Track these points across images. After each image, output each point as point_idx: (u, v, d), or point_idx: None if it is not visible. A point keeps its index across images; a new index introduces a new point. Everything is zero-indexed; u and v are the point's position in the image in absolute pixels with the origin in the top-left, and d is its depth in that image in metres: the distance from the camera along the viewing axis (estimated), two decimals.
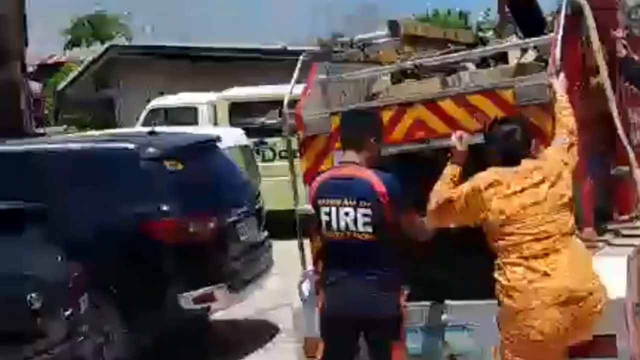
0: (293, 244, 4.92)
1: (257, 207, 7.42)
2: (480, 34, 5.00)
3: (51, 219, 5.51)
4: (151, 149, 6.56)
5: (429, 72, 4.50)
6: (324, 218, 3.78)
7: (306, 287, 4.68)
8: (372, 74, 4.67)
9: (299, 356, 4.49)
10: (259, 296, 7.15)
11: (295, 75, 4.58)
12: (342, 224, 3.71)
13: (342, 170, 3.83)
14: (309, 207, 4.46)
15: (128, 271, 6.17)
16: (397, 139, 4.12)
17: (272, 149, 11.46)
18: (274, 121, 12.12)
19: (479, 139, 3.79)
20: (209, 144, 7.31)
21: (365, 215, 3.66)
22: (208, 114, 12.12)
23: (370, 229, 3.69)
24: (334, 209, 3.74)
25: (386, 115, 4.14)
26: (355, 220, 3.68)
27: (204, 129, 10.36)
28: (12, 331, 4.85)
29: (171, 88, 14.10)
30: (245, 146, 9.91)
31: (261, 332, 7.00)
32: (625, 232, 4.39)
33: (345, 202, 3.70)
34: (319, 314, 3.93)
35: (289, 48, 16.55)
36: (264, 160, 11.05)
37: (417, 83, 4.46)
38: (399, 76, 4.60)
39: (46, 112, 21.87)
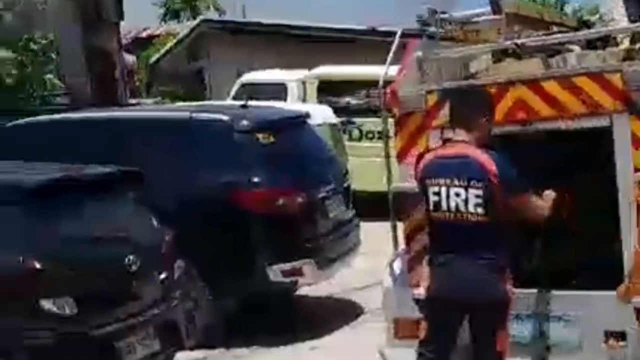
0: (378, 224, 4.94)
1: (345, 185, 7.45)
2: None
3: (146, 185, 5.69)
4: (244, 121, 6.68)
5: (531, 52, 4.39)
6: (433, 198, 3.74)
7: (398, 266, 4.68)
8: (472, 52, 4.59)
9: (388, 336, 4.49)
10: (345, 274, 7.18)
11: (392, 53, 4.54)
12: (452, 204, 3.67)
13: (451, 149, 3.78)
14: (403, 185, 4.48)
15: (217, 240, 6.31)
16: (498, 119, 4.04)
17: (359, 129, 11.45)
18: (361, 101, 12.22)
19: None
20: (299, 120, 7.38)
21: (476, 195, 3.61)
22: (297, 91, 12.22)
23: (481, 210, 3.63)
24: (443, 189, 3.69)
25: None
26: (466, 201, 3.63)
27: (293, 105, 10.44)
28: (108, 292, 5.05)
29: (259, 64, 14.26)
30: (334, 124, 9.94)
31: (347, 310, 7.03)
32: None
33: (456, 182, 3.65)
34: (424, 294, 3.90)
35: (379, 29, 16.48)
36: (350, 139, 11.05)
37: (518, 63, 4.36)
38: (500, 55, 4.51)
39: (138, 84, 22.43)
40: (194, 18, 23.74)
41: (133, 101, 16.51)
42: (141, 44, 23.34)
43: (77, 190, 5.21)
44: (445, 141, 3.91)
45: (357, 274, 7.36)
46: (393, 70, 4.55)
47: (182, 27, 22.30)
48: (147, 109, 7.67)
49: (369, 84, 12.02)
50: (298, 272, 6.40)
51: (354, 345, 5.98)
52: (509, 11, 4.36)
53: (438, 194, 3.71)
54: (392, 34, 16.94)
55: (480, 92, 3.97)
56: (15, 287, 4.69)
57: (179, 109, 7.42)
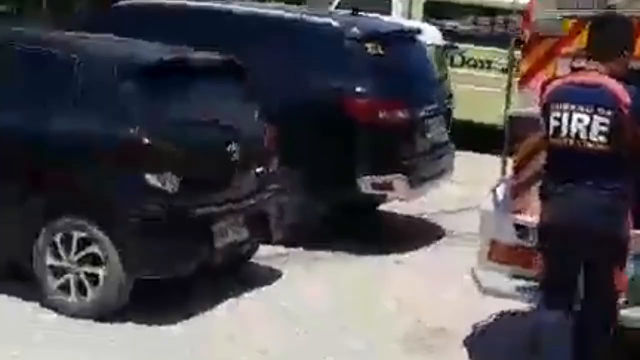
0: (472, 155, 4.83)
1: (447, 107, 7.35)
2: None
3: (252, 80, 5.72)
4: (355, 29, 6.61)
5: None
6: (553, 123, 3.62)
7: (501, 191, 4.63)
8: None
9: (480, 258, 4.48)
10: (438, 198, 7.21)
11: None
12: (573, 130, 3.56)
13: (583, 77, 3.64)
14: (521, 111, 4.37)
15: (316, 142, 6.35)
16: (637, 54, 3.86)
17: (461, 55, 11.21)
18: (467, 27, 11.90)
19: None
20: (411, 35, 7.26)
21: (602, 124, 3.50)
22: (402, 8, 11.95)
23: (604, 139, 3.52)
24: (565, 114, 3.57)
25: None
26: (588, 128, 3.52)
27: (388, 18, 10.22)
28: (209, 175, 5.18)
29: None
30: (440, 46, 9.73)
31: (436, 231, 7.04)
32: None
33: (581, 108, 3.53)
34: (538, 225, 3.82)
35: None
36: (451, 65, 10.82)
37: None
38: None
39: None
40: None
41: None
42: None
43: (188, 73, 5.29)
44: (577, 69, 3.78)
45: (450, 199, 7.38)
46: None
47: None
48: (257, 5, 7.62)
49: (477, 9, 11.80)
50: (389, 186, 6.41)
51: (440, 264, 6.03)
52: None
53: (559, 119, 3.59)
54: None
55: (623, 22, 3.77)
56: (124, 159, 4.85)
57: (290, 10, 7.36)
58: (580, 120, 3.54)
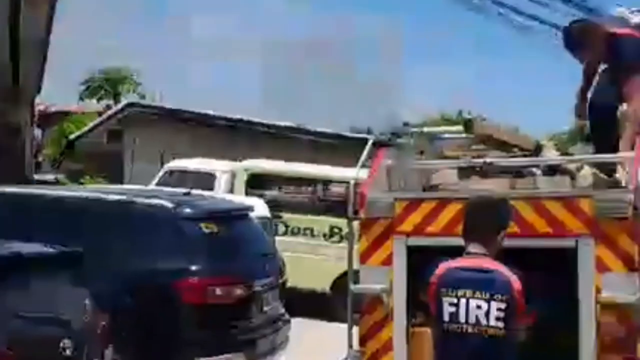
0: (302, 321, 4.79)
1: (281, 280, 7.44)
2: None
3: (84, 265, 5.51)
4: (188, 209, 6.65)
5: (496, 172, 4.62)
6: (449, 309, 3.62)
7: None
8: (441, 166, 4.79)
9: None
10: None
11: (363, 157, 4.68)
12: (472, 317, 3.58)
13: (471, 261, 3.70)
14: (364, 287, 4.53)
15: (152, 327, 6.13)
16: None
17: (285, 224, 11.55)
18: (289, 197, 12.38)
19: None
20: (243, 212, 7.39)
21: (499, 309, 3.55)
22: (225, 182, 12.23)
23: (501, 324, 3.55)
24: (463, 301, 3.59)
25: (455, 208, 4.23)
26: (487, 314, 3.55)
27: (223, 196, 10.44)
28: None
29: (183, 152, 14.25)
30: (267, 218, 9.98)
31: None
32: None
33: (478, 294, 3.58)
34: None
35: (308, 128, 16.88)
36: (275, 234, 11.08)
37: (486, 181, 4.57)
38: (466, 172, 4.71)
39: (42, 159, 21.90)
40: (115, 99, 23.59)
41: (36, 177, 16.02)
42: (47, 118, 22.91)
43: (19, 268, 5.01)
44: (463, 253, 3.79)
45: None
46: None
47: (92, 106, 22.07)
48: (87, 189, 7.52)
49: (298, 180, 12.37)
50: None
51: None
52: (479, 132, 4.60)
53: (456, 305, 3.61)
54: (318, 133, 17.45)
55: (502, 203, 3.87)
56: None
57: (121, 192, 7.30)
58: (478, 307, 3.57)
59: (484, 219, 3.73)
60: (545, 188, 4.35)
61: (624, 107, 4.82)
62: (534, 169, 4.66)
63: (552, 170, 4.65)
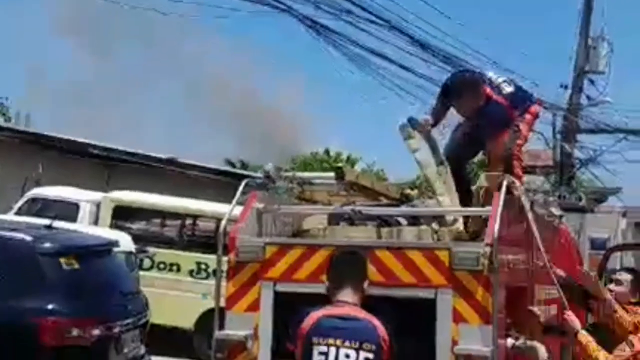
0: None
1: (143, 319, 7.22)
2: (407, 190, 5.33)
3: None
4: (48, 244, 6.39)
5: (363, 219, 4.72)
6: (318, 358, 3.62)
7: None
8: (311, 211, 4.84)
9: None
10: None
11: (237, 196, 4.67)
12: None
13: (340, 310, 3.73)
14: (229, 333, 4.48)
15: None
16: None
17: (150, 258, 11.27)
18: (156, 230, 12.11)
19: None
20: (107, 247, 7.16)
21: (366, 358, 3.57)
22: (90, 213, 11.81)
23: None
24: (333, 349, 3.61)
25: (323, 255, 4.27)
26: None
27: (86, 228, 10.07)
28: None
29: (48, 179, 13.67)
30: (131, 252, 9.69)
31: None
32: None
33: (347, 343, 3.60)
34: None
35: (179, 160, 16.62)
36: (141, 268, 10.79)
37: (353, 228, 4.66)
38: (336, 218, 4.79)
39: None
40: None
41: None
42: None
43: None
44: (331, 301, 3.80)
45: None
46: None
47: None
48: None
49: (165, 213, 12.12)
50: None
51: None
52: (349, 179, 4.70)
53: (326, 354, 3.61)
54: (191, 166, 17.16)
55: (361, 255, 3.96)
56: None
57: None
58: (347, 356, 3.59)
59: (352, 269, 3.82)
60: (409, 238, 4.49)
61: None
62: (400, 218, 4.81)
63: (416, 220, 4.82)
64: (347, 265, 3.83)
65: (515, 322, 4.65)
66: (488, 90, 5.26)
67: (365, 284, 3.80)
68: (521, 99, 5.39)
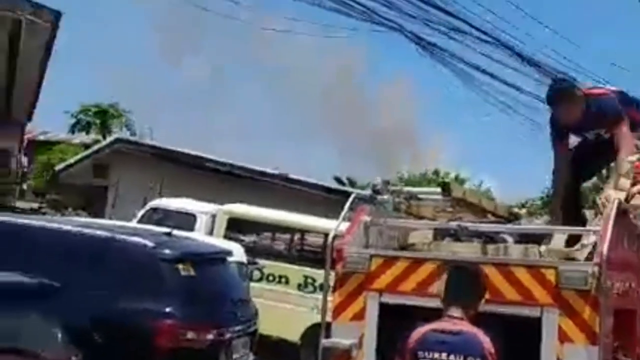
0: None
1: (253, 327, 7.46)
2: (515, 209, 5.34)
3: (57, 298, 5.54)
4: (167, 250, 6.70)
5: (469, 236, 4.76)
6: None
7: None
8: (417, 226, 4.93)
9: None
10: None
11: (345, 212, 4.81)
12: None
13: (447, 325, 3.82)
14: (334, 341, 4.61)
15: None
16: (435, 292, 4.28)
17: (260, 270, 11.58)
18: (266, 243, 12.44)
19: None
20: (221, 256, 7.46)
21: None
22: (205, 224, 12.28)
23: None
24: None
25: (429, 268, 4.35)
26: None
27: (202, 237, 10.49)
28: None
29: (169, 191, 14.33)
30: (243, 263, 10.02)
31: None
32: None
33: (452, 357, 3.69)
34: None
35: (291, 176, 17.01)
36: (250, 279, 11.11)
37: (458, 244, 4.70)
38: (441, 233, 4.85)
39: (25, 187, 21.85)
40: (104, 134, 23.68)
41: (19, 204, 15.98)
42: (35, 146, 22.93)
43: None
44: (442, 315, 3.88)
45: None
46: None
47: (87, 140, 22.07)
48: (74, 222, 7.58)
49: (276, 227, 12.44)
50: None
51: None
52: (456, 195, 4.76)
53: None
54: (302, 182, 17.54)
55: (479, 272, 4.04)
56: None
57: (102, 227, 7.35)
58: None
59: (468, 286, 3.88)
60: (515, 255, 4.49)
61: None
62: (505, 236, 4.81)
63: (523, 238, 4.81)
64: (462, 282, 3.90)
65: (623, 345, 4.56)
66: (587, 90, 5.18)
67: (481, 303, 3.86)
68: (628, 100, 5.27)
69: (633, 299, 4.75)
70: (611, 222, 4.09)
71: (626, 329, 4.58)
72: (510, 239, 4.76)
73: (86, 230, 6.94)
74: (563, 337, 4.03)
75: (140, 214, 12.56)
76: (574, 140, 5.44)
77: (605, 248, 3.98)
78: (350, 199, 4.88)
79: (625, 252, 4.58)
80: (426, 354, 3.75)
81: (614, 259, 4.17)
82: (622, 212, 4.31)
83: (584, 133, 5.29)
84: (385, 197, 4.94)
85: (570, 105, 5.11)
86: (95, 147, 18.48)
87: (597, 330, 3.96)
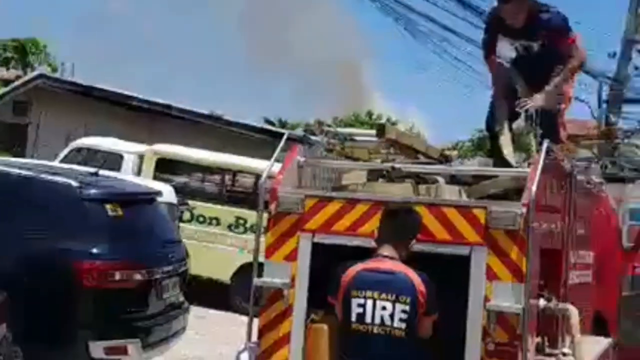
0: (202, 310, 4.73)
1: (183, 268, 7.41)
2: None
3: None
4: (94, 190, 6.55)
5: (402, 177, 4.79)
6: (356, 310, 3.78)
7: (244, 358, 4.73)
8: (351, 166, 4.92)
9: None
10: (169, 358, 7.06)
11: (277, 152, 4.75)
12: (378, 317, 3.74)
13: (379, 264, 3.86)
14: (266, 280, 4.61)
15: (45, 307, 6.00)
16: (367, 233, 4.32)
17: (190, 211, 11.50)
18: (197, 184, 12.33)
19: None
20: (150, 196, 7.33)
21: (403, 311, 3.72)
22: (133, 164, 12.06)
23: (404, 326, 3.73)
24: (370, 302, 3.75)
25: (362, 209, 4.36)
26: (392, 316, 3.72)
27: (130, 178, 10.30)
28: None
29: (93, 129, 13.96)
30: (173, 204, 9.91)
31: None
32: None
33: (384, 295, 3.74)
34: None
35: (224, 117, 16.77)
36: (181, 220, 11.03)
37: (391, 184, 4.73)
38: (375, 175, 4.86)
39: None
40: (24, 70, 22.75)
41: None
42: None
43: None
44: (373, 255, 3.96)
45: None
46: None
47: (6, 75, 21.23)
48: None
49: (207, 168, 12.32)
50: (122, 350, 6.24)
51: None
52: (390, 137, 4.76)
53: (363, 305, 3.76)
54: (235, 124, 17.44)
55: (415, 212, 4.11)
56: None
57: (24, 166, 7.10)
58: (384, 308, 3.73)
59: (402, 226, 3.94)
60: (446, 196, 4.54)
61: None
62: (437, 177, 4.86)
63: (454, 179, 4.86)
64: (396, 222, 3.95)
65: (548, 284, 4.71)
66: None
67: (412, 242, 3.92)
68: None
69: (558, 240, 4.90)
70: (540, 165, 4.16)
71: (551, 269, 4.73)
72: (441, 180, 4.80)
73: (8, 169, 6.70)
74: (491, 275, 4.12)
75: (63, 153, 12.24)
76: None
77: (533, 190, 4.05)
78: (283, 140, 4.82)
79: (553, 194, 4.69)
80: (359, 292, 3.80)
81: (542, 201, 4.26)
82: (552, 155, 4.39)
83: (528, 41, 5.27)
84: (319, 138, 4.91)
85: (521, 3, 5.12)
86: (16, 84, 17.76)
87: (524, 268, 4.06)
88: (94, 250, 6.21)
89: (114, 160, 11.93)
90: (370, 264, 3.88)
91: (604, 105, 18.73)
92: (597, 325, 6.27)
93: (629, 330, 7.85)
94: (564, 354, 4.91)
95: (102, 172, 7.35)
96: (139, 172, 11.81)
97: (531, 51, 5.29)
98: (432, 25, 13.40)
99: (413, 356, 3.78)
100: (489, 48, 5.51)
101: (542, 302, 4.54)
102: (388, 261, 3.86)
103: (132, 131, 14.58)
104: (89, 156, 12.05)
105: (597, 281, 6.19)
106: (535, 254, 4.20)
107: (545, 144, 4.36)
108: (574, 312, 4.64)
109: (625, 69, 18.66)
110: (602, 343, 6.03)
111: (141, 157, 12.00)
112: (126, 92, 16.24)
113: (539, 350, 4.70)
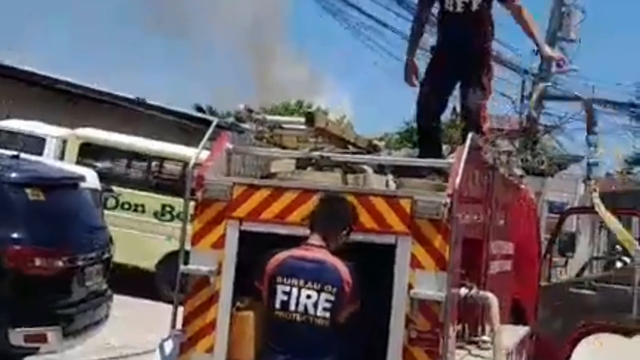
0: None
1: (107, 255, 7.28)
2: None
3: None
4: (14, 174, 6.40)
5: (330, 165, 4.81)
6: (281, 297, 3.77)
7: (168, 345, 4.69)
8: (280, 155, 4.92)
9: None
10: (91, 347, 6.94)
11: (205, 139, 4.70)
12: (302, 306, 3.74)
13: (306, 252, 3.86)
14: (192, 268, 4.57)
15: None
16: (295, 221, 4.33)
17: (115, 198, 11.31)
18: (122, 171, 12.10)
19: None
20: (73, 181, 7.18)
21: (327, 300, 3.72)
22: (55, 148, 11.76)
23: (327, 315, 3.74)
24: (295, 290, 3.75)
25: (290, 197, 4.37)
26: (315, 304, 3.73)
27: (52, 162, 10.05)
28: None
29: (17, 113, 13.52)
30: (97, 190, 9.69)
31: None
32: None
33: (309, 284, 3.74)
34: None
35: (149, 102, 16.47)
36: (105, 207, 10.82)
37: (320, 173, 4.75)
38: (303, 163, 4.87)
39: None
40: None
41: None
42: None
43: None
44: (303, 243, 3.95)
45: (107, 349, 7.14)
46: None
47: None
48: None
49: (132, 154, 12.09)
50: (41, 338, 6.16)
51: None
52: (319, 125, 4.78)
53: (288, 293, 3.76)
54: (161, 109, 17.17)
55: (347, 202, 4.10)
56: None
57: None
58: (308, 297, 3.73)
59: (333, 216, 3.95)
60: (374, 185, 4.60)
61: None
62: (365, 167, 4.91)
63: (381, 169, 4.92)
64: (327, 211, 3.96)
65: (469, 273, 4.83)
66: None
67: (344, 233, 3.94)
68: None
69: (480, 230, 5.02)
70: (464, 156, 4.25)
71: (473, 258, 4.85)
72: (369, 170, 4.85)
73: None
74: (415, 264, 4.19)
75: None
76: None
77: (457, 180, 4.14)
78: (212, 127, 4.78)
79: (475, 185, 4.81)
80: (285, 279, 3.80)
81: (465, 192, 4.35)
82: (475, 147, 4.49)
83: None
84: (248, 125, 4.89)
85: None
86: None
87: (447, 257, 4.14)
88: (14, 235, 6.09)
89: (35, 144, 11.60)
90: (297, 252, 3.89)
91: (526, 101, 19.22)
92: (516, 315, 6.46)
93: (547, 320, 8.13)
94: (484, 342, 5.05)
95: (23, 155, 7.16)
96: (61, 157, 11.53)
97: (470, 8, 5.13)
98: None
99: (335, 345, 3.81)
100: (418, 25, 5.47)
101: (463, 291, 4.65)
102: (316, 250, 3.87)
103: (58, 115, 14.16)
104: (9, 139, 11.67)
105: (516, 271, 6.38)
106: (458, 243, 4.30)
107: (470, 135, 4.45)
108: (494, 301, 4.77)
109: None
110: (520, 332, 6.22)
111: (64, 141, 11.72)
112: (49, 74, 15.75)
113: (460, 337, 4.82)
